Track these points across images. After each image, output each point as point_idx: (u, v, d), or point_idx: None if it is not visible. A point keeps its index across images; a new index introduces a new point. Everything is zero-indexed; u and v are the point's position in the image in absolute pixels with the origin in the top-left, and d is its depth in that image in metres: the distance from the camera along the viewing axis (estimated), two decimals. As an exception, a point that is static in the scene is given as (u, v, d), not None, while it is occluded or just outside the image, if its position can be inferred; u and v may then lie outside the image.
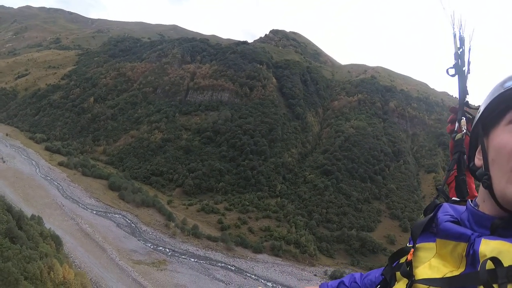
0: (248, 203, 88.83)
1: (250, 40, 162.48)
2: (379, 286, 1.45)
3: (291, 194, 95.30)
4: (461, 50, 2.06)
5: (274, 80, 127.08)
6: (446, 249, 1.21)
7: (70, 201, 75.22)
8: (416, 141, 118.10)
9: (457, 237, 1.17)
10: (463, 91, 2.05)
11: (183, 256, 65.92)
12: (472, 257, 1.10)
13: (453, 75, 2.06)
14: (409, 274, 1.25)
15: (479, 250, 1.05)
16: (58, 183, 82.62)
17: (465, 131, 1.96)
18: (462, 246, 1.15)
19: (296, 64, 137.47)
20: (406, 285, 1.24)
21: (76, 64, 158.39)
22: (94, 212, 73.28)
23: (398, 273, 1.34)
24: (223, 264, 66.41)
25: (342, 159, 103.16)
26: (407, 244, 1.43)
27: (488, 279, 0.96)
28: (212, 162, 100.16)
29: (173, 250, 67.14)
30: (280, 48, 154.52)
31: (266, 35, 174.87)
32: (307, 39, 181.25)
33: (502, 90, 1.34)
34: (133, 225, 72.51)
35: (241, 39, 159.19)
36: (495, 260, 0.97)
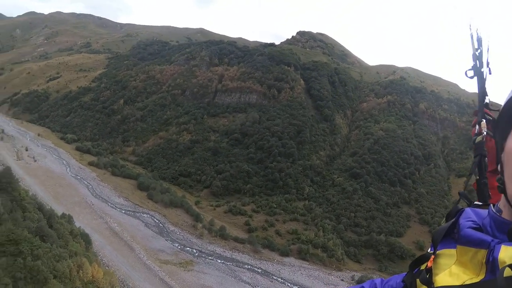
0: (275, 206, 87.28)
1: (276, 42, 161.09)
2: None
3: (319, 197, 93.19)
4: (479, 51, 2.02)
5: (302, 81, 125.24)
6: (467, 256, 1.20)
7: (99, 200, 75.90)
8: (447, 144, 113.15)
9: (477, 244, 1.17)
10: (483, 92, 2.00)
11: (210, 257, 65.00)
12: (492, 264, 1.09)
13: (471, 77, 2.02)
14: (428, 281, 1.26)
15: (499, 257, 1.05)
16: (88, 182, 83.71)
17: (485, 133, 1.94)
18: (482, 253, 1.15)
19: (324, 65, 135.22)
20: None
21: (106, 67, 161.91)
22: (123, 211, 73.55)
23: (418, 280, 1.34)
24: (249, 266, 65.04)
25: (371, 162, 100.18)
26: (428, 250, 1.42)
27: (506, 286, 0.95)
28: (240, 163, 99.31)
29: (200, 251, 66.33)
30: (307, 49, 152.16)
31: (293, 36, 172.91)
32: (334, 40, 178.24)
33: None
34: (161, 225, 72.28)
35: (268, 41, 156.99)
36: None
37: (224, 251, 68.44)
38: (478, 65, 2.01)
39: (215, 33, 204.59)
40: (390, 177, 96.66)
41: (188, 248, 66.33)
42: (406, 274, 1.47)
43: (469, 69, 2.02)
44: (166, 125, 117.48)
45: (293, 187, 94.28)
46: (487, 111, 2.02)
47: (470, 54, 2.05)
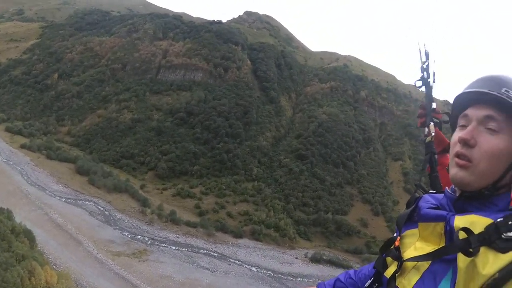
0: (224, 187, 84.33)
1: (223, 20, 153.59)
2: (372, 278, 1.55)
3: (267, 178, 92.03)
4: (426, 63, 2.27)
5: (249, 62, 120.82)
6: (428, 231, 1.34)
7: (36, 188, 65.75)
8: (384, 130, 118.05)
9: (436, 219, 1.31)
10: (430, 99, 2.27)
11: (163, 245, 60.62)
12: (449, 233, 1.24)
13: (420, 87, 2.30)
14: (398, 256, 1.37)
15: (454, 225, 1.21)
16: (21, 168, 72.11)
17: (433, 134, 2.17)
18: (440, 226, 1.29)
19: (271, 47, 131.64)
20: (397, 266, 1.36)
21: (39, 37, 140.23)
22: (63, 199, 64.76)
23: (388, 259, 1.46)
24: (205, 251, 62.01)
25: (316, 144, 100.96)
26: (394, 235, 1.54)
27: (463, 245, 1.11)
28: (186, 144, 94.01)
29: (152, 239, 61.51)
30: (254, 30, 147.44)
31: (239, 16, 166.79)
32: (280, 23, 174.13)
33: (456, 97, 1.50)
34: (106, 212, 65.52)
35: (212, 19, 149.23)
36: (466, 229, 1.13)
37: (178, 237, 64.41)
38: (425, 76, 2.25)
39: (158, 6, 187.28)
40: (333, 159, 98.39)
41: (139, 236, 61.07)
42: (376, 260, 1.55)
43: (418, 80, 2.28)
44: (104, 103, 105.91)
45: (241, 168, 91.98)
46: (435, 114, 2.25)
47: (419, 66, 2.26)
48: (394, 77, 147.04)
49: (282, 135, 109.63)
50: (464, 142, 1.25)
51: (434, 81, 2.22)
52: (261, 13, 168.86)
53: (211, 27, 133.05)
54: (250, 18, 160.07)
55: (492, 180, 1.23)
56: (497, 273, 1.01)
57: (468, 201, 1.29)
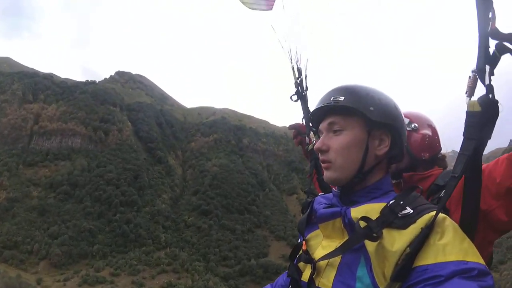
0: (136, 262, 76.60)
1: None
2: (290, 286, 1.52)
3: (178, 241, 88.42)
4: (299, 79, 2.46)
5: (129, 123, 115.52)
6: (328, 229, 1.35)
7: None
8: (272, 171, 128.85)
9: (332, 216, 1.33)
10: (306, 111, 2.41)
11: None
12: (349, 225, 1.25)
13: (296, 100, 2.45)
14: (309, 259, 1.37)
15: (352, 217, 1.24)
16: None
17: (314, 141, 2.26)
18: (338, 221, 1.30)
19: (149, 106, 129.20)
20: (311, 268, 1.35)
21: None
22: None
23: (300, 264, 1.45)
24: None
25: (215, 197, 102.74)
26: (299, 241, 1.56)
27: (363, 233, 1.15)
28: (77, 222, 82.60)
29: None
30: (130, 90, 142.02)
31: (111, 76, 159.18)
32: (153, 83, 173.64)
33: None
34: (9, 324, 51.16)
35: (80, 79, 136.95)
36: (364, 218, 1.18)
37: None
38: (300, 90, 2.44)
39: (24, 66, 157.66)
40: (236, 207, 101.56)
41: None
42: (288, 269, 1.54)
43: (293, 94, 2.44)
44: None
45: (147, 237, 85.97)
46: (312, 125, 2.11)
47: (293, 82, 2.44)
48: (267, 122, 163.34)
49: (179, 195, 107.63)
50: (319, 151, 1.38)
51: (305, 93, 2.43)
52: (133, 72, 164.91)
53: (85, 88, 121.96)
54: (123, 78, 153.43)
55: (356, 168, 1.32)
56: (408, 248, 1.08)
57: (352, 193, 1.37)
